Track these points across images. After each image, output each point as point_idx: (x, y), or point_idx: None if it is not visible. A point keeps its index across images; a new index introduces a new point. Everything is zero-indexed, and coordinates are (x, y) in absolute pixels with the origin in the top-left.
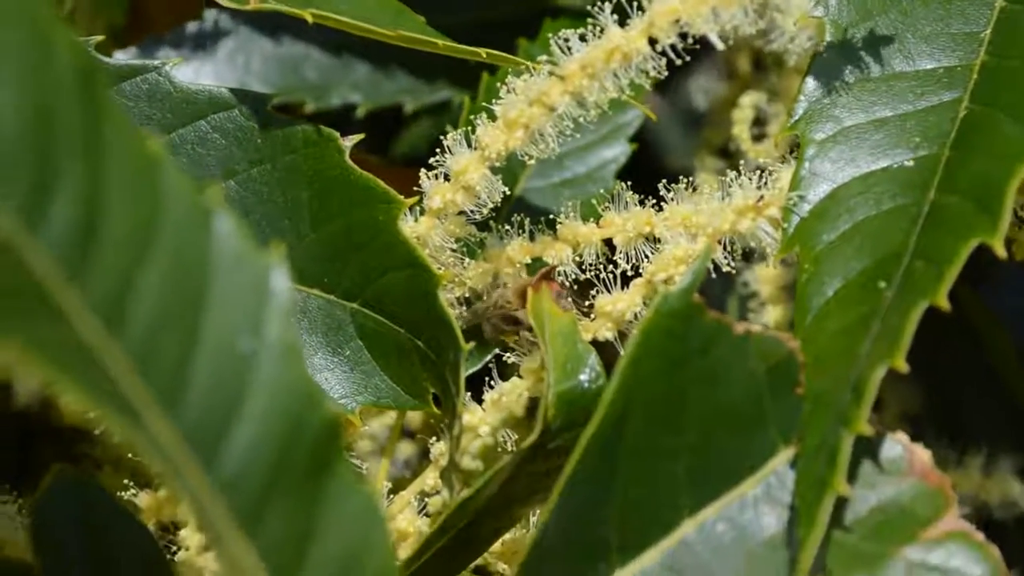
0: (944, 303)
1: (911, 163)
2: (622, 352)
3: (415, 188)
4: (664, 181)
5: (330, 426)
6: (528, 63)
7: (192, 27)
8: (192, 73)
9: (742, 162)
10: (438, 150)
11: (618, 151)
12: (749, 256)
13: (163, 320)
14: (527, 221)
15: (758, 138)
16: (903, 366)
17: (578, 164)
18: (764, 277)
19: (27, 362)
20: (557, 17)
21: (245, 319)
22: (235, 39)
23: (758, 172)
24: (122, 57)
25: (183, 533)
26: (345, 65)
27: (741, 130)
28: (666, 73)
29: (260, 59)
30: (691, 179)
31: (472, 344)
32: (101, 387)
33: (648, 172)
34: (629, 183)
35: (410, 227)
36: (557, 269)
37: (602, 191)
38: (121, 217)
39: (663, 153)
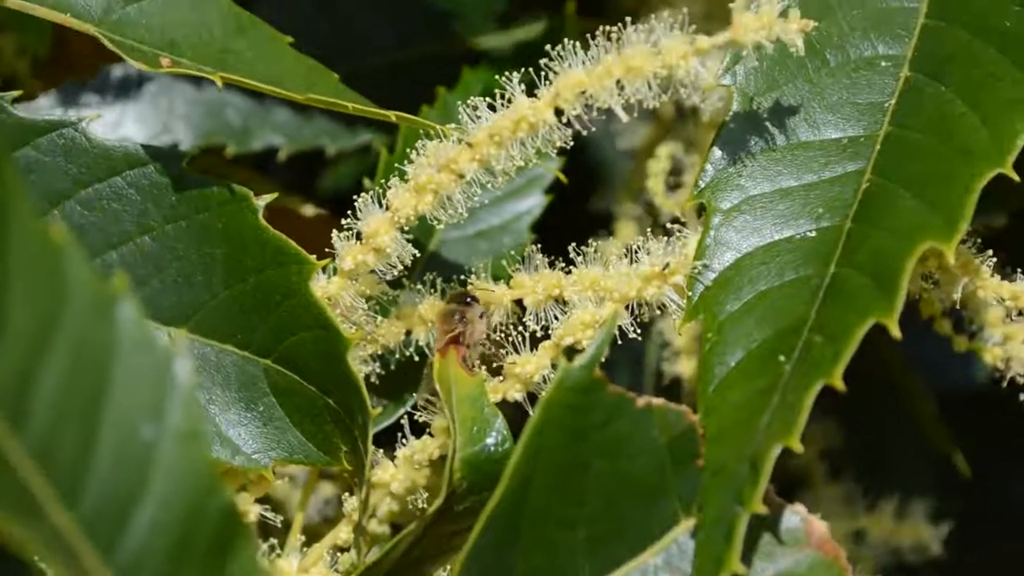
0: (839, 384)
1: (813, 234)
2: (531, 413)
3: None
4: (583, 225)
5: (230, 511)
6: (435, 126)
7: (116, 70)
8: (116, 116)
9: (652, 222)
10: (349, 212)
11: (532, 203)
12: (664, 307)
13: (65, 412)
14: (439, 280)
15: (674, 187)
16: (798, 447)
17: (492, 216)
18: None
19: None
20: (476, 64)
21: (147, 406)
22: (158, 83)
23: (666, 237)
24: (44, 103)
25: None
26: (267, 108)
27: (655, 183)
28: (572, 143)
29: (183, 102)
30: (608, 227)
31: (379, 410)
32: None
33: (567, 215)
34: (546, 230)
35: (322, 286)
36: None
37: (516, 244)
38: (23, 311)
39: (583, 196)
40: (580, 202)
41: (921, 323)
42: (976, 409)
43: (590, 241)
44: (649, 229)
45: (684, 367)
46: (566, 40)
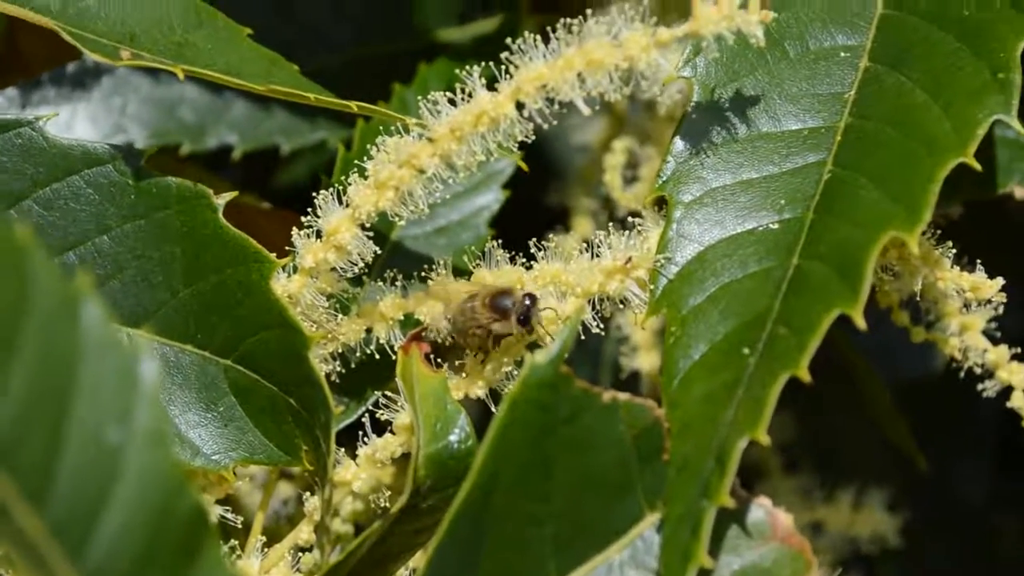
0: (805, 375)
1: (776, 226)
2: (494, 411)
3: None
4: (538, 220)
5: (198, 513)
6: (399, 117)
7: (72, 67)
8: (67, 116)
9: (609, 216)
10: (309, 209)
11: (491, 198)
12: (626, 302)
13: (31, 415)
14: (400, 276)
15: (630, 181)
16: (764, 439)
17: (451, 211)
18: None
19: None
20: (433, 60)
21: (113, 408)
22: (110, 82)
23: (627, 231)
24: None
25: None
26: (223, 104)
27: (613, 177)
28: (533, 137)
29: (137, 100)
30: (564, 221)
31: (341, 409)
32: None
33: (523, 210)
34: (501, 225)
35: (282, 285)
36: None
37: (475, 239)
38: None
39: (538, 191)
40: (535, 197)
41: (874, 313)
42: (929, 397)
43: (548, 236)
44: (608, 224)
45: (643, 361)
46: (526, 33)
